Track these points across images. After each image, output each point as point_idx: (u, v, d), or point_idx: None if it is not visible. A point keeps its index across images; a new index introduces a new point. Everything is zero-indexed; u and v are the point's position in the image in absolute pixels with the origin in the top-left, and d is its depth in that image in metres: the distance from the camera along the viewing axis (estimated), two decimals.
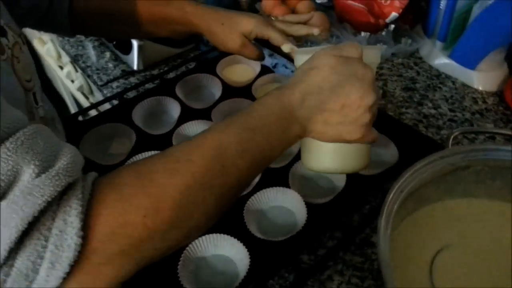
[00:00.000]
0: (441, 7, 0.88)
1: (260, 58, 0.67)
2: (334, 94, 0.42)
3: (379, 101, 0.45)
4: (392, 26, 0.95)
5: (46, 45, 1.33)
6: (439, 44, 0.91)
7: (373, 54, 0.49)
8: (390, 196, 0.46)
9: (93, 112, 0.84)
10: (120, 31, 0.70)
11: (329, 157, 0.49)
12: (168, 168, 0.35)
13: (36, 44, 1.45)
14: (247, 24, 0.63)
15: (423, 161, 0.49)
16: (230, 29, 0.63)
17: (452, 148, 0.51)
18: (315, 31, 0.64)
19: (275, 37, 0.62)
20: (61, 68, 1.29)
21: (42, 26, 0.67)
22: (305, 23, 0.67)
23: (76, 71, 1.18)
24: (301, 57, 0.49)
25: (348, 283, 0.55)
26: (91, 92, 1.17)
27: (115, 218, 0.31)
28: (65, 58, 1.21)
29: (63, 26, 0.65)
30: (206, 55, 0.91)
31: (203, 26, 0.64)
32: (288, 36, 0.64)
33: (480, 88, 0.85)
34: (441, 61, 0.90)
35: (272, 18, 0.68)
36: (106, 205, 0.31)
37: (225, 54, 0.86)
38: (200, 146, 0.38)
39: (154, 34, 0.70)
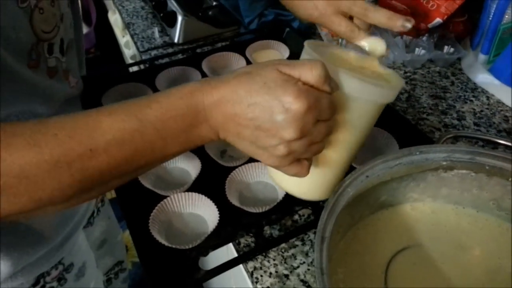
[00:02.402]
0: (490, 18, 0.84)
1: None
2: (251, 111, 0.38)
3: (310, 141, 0.40)
4: (437, 33, 0.92)
5: (114, 15, 1.44)
6: (481, 57, 0.86)
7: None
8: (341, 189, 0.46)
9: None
10: None
11: (279, 174, 0.46)
12: (31, 138, 0.34)
13: (110, 15, 1.58)
14: None
15: (395, 153, 0.48)
16: None
17: (432, 145, 0.49)
18: (406, 23, 0.55)
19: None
20: (123, 37, 1.39)
21: None
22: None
23: (133, 41, 1.27)
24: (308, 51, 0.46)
25: (310, 265, 0.55)
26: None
27: None
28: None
29: None
30: (240, 37, 0.94)
31: None
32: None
33: None
34: (481, 75, 0.85)
35: None
36: None
37: (256, 38, 0.89)
38: (75, 122, 0.36)
39: None
